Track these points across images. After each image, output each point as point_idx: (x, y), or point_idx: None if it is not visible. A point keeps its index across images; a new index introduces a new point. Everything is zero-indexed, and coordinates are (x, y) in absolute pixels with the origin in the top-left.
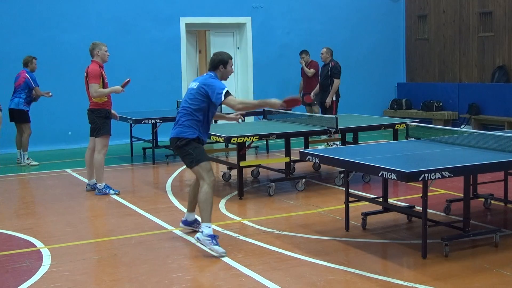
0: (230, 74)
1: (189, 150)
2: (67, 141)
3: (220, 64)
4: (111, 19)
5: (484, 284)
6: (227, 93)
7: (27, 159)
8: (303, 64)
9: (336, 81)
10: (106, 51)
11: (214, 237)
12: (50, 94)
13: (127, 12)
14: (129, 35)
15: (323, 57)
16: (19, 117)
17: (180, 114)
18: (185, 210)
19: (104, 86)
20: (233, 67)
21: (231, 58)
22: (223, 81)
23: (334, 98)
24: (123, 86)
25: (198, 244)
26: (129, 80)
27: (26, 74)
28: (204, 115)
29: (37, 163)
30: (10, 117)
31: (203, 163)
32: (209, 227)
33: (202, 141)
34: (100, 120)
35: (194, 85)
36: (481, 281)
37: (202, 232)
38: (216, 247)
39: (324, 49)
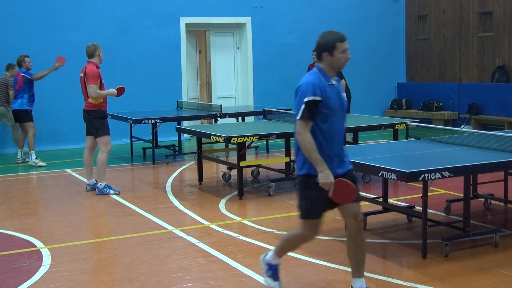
0: (345, 62)
1: (299, 193)
2: (68, 141)
3: (324, 52)
4: (111, 19)
5: (484, 284)
6: (304, 113)
7: (36, 158)
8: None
9: (341, 81)
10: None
11: (272, 267)
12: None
13: (127, 12)
14: (129, 35)
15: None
16: (23, 117)
17: None
18: (184, 210)
19: (101, 87)
20: (347, 51)
21: (342, 40)
22: (337, 70)
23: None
24: (117, 89)
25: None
26: (123, 88)
27: (21, 74)
28: (318, 135)
29: (44, 164)
30: (15, 118)
31: (311, 221)
32: (275, 259)
33: (315, 178)
34: (97, 121)
35: None
36: (481, 281)
37: (266, 254)
38: (269, 280)
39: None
